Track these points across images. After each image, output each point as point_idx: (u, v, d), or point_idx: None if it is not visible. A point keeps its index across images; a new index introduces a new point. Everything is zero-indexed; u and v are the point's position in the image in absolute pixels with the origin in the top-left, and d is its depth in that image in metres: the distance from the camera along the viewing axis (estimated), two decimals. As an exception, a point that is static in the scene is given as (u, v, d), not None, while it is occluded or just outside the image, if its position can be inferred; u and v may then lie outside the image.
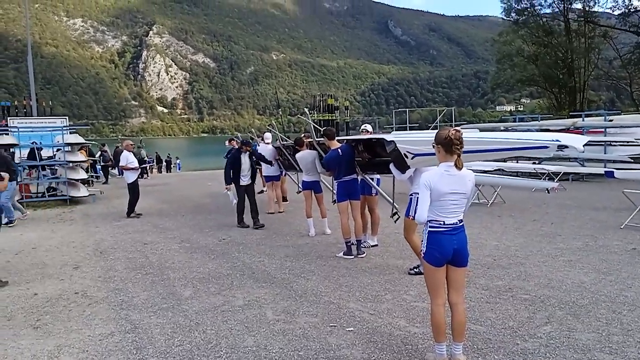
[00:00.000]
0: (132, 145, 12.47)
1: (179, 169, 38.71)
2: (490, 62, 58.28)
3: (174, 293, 5.66)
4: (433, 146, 3.64)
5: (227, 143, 18.67)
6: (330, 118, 29.61)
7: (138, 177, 12.19)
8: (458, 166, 3.51)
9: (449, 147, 3.51)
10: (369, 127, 8.64)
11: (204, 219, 10.91)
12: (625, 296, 5.01)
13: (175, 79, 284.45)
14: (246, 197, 9.76)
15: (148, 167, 25.63)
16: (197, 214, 11.58)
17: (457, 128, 3.65)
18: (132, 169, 11.54)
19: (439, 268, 3.58)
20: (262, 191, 14.62)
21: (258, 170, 16.04)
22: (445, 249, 3.54)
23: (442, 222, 3.55)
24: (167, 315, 4.93)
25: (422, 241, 3.69)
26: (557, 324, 4.37)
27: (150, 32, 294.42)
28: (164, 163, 36.30)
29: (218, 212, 11.68)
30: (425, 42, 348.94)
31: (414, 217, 5.19)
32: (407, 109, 29.71)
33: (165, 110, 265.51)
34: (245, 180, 9.76)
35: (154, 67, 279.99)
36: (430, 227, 3.58)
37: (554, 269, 6.04)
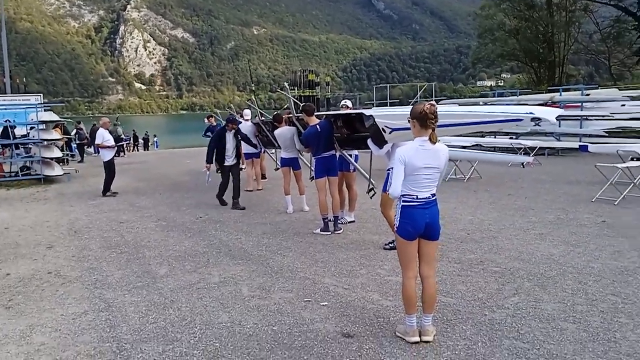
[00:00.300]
0: (108, 122, 12.28)
1: (157, 147, 38.29)
2: (472, 37, 58.16)
3: (149, 271, 5.67)
4: (408, 120, 3.67)
5: (205, 120, 18.48)
6: (311, 94, 29.46)
7: (114, 156, 12.06)
8: (432, 140, 3.55)
9: (424, 121, 3.55)
10: (348, 103, 8.63)
11: (182, 197, 10.86)
12: (592, 267, 5.15)
13: (153, 54, 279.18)
14: (231, 177, 9.42)
15: (125, 145, 25.29)
16: (174, 192, 11.52)
17: (432, 102, 3.69)
18: (109, 147, 11.39)
19: (411, 242, 3.65)
20: (240, 169, 14.59)
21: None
22: (418, 223, 3.60)
23: (415, 197, 3.60)
24: (141, 294, 4.94)
25: (395, 216, 3.74)
26: (524, 295, 4.49)
27: (128, 6, 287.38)
28: (142, 141, 35.85)
29: (196, 190, 11.63)
30: (408, 16, 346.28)
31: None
32: (388, 85, 29.68)
33: (143, 87, 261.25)
34: (230, 160, 9.40)
35: (132, 42, 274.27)
36: (403, 201, 3.63)
37: (525, 242, 6.18)
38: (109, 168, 11.36)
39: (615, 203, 8.06)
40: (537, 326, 3.86)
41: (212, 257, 6.13)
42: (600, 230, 6.62)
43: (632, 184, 8.42)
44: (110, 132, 12.10)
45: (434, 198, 3.67)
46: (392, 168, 5.75)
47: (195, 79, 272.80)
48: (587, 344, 3.53)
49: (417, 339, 3.67)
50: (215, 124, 15.92)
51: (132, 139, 32.77)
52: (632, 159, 9.37)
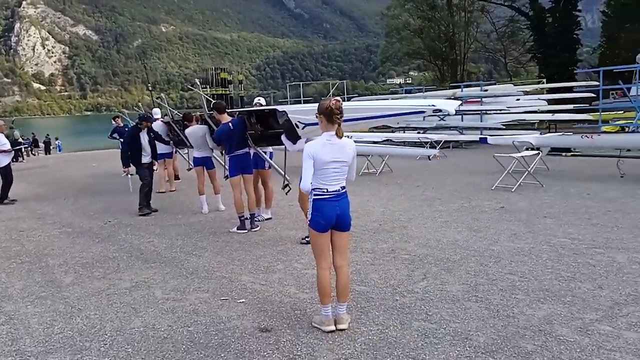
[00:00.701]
0: (4, 126, 11.40)
1: (60, 150, 36.01)
2: (380, 36, 60.07)
3: (53, 280, 5.35)
4: (316, 116, 3.76)
5: (112, 121, 17.69)
6: (224, 92, 28.99)
7: (12, 161, 11.24)
8: (338, 135, 3.68)
9: (330, 116, 3.65)
10: (262, 101, 8.63)
11: (88, 202, 10.32)
12: (492, 250, 5.53)
13: (53, 53, 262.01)
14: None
15: (23, 150, 23.57)
16: (79, 197, 10.92)
17: (337, 98, 3.81)
18: (4, 151, 10.59)
19: (323, 234, 3.75)
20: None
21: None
22: (329, 215, 3.70)
23: (325, 190, 3.70)
24: (45, 304, 4.66)
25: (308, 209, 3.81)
26: (432, 279, 4.75)
27: (24, 2, 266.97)
28: (42, 144, 33.59)
29: (103, 194, 11.10)
30: (319, 15, 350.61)
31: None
32: (302, 83, 29.92)
33: (43, 88, 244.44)
34: (147, 159, 8.81)
35: (29, 40, 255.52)
36: (314, 195, 3.73)
37: (433, 230, 6.52)
38: (6, 174, 10.58)
39: (512, 190, 8.69)
40: (444, 307, 4.10)
41: (122, 262, 5.90)
42: (499, 215, 7.11)
43: (527, 172, 9.11)
44: (7, 136, 11.30)
45: (344, 191, 3.79)
46: None
47: (100, 79, 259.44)
48: (489, 320, 3.80)
49: (332, 327, 3.78)
50: (122, 124, 15.28)
51: (31, 142, 30.61)
52: (526, 149, 10.14)
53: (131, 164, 8.77)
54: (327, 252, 3.82)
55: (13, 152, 11.72)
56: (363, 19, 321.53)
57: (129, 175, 8.72)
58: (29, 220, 8.69)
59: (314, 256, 3.88)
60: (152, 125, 10.59)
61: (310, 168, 3.66)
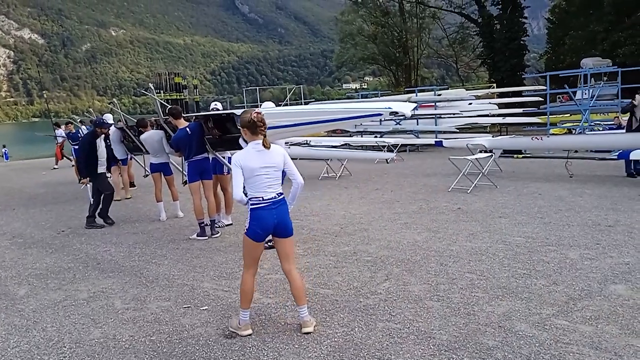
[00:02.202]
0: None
1: (7, 159, 34.42)
2: (335, 41, 60.62)
3: (6, 293, 5.14)
4: (239, 129, 3.81)
5: (62, 127, 17.14)
6: (178, 97, 28.52)
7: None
8: (265, 145, 3.70)
9: (254, 128, 3.69)
10: (219, 105, 8.56)
11: (39, 211, 9.94)
12: (451, 250, 5.67)
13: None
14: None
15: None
16: (30, 207, 10.49)
17: (258, 110, 3.82)
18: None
19: (259, 243, 3.77)
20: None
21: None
22: (267, 224, 3.72)
23: (261, 198, 3.72)
24: (-1, 318, 4.47)
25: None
26: (394, 280, 4.82)
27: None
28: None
29: (55, 203, 10.72)
30: (273, 20, 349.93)
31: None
32: (259, 88, 29.79)
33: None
34: (102, 168, 8.34)
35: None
36: (251, 204, 3.74)
37: (393, 232, 6.62)
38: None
39: (468, 191, 8.93)
40: (407, 307, 4.17)
41: (78, 273, 5.71)
42: (456, 216, 7.29)
43: (481, 174, 9.39)
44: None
45: (281, 197, 3.81)
46: None
47: (47, 84, 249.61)
48: (450, 319, 3.90)
49: (250, 332, 3.83)
50: (74, 130, 14.82)
51: None
52: (480, 151, 10.45)
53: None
54: (257, 262, 3.88)
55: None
56: (317, 24, 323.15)
57: (88, 185, 8.14)
58: (-25, 232, 8.29)
59: (244, 262, 3.89)
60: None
61: (239, 177, 3.70)
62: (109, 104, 12.97)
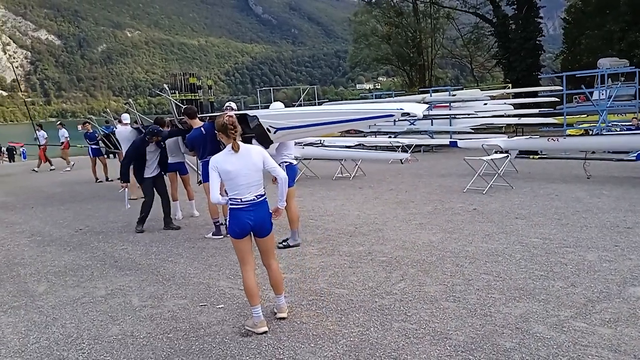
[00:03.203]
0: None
1: (25, 158, 34.93)
2: (348, 42, 60.55)
3: (26, 290, 5.21)
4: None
5: (79, 127, 17.35)
6: (193, 97, 28.74)
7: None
8: (234, 149, 3.78)
9: (226, 132, 3.79)
10: (233, 105, 8.58)
11: (57, 209, 10.07)
12: (467, 251, 5.64)
13: (14, 58, 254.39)
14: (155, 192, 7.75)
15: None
16: (48, 206, 10.63)
17: (230, 114, 3.93)
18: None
19: (241, 239, 3.88)
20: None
21: (117, 154, 15.23)
22: (243, 224, 3.82)
23: (239, 200, 3.82)
24: (19, 314, 4.54)
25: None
26: (409, 280, 4.81)
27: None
28: (6, 152, 32.54)
29: (72, 202, 10.85)
30: (287, 20, 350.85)
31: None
32: (272, 88, 29.86)
33: (5, 94, 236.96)
34: (151, 172, 7.65)
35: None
36: (230, 204, 3.86)
37: (408, 232, 6.59)
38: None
39: (484, 192, 8.86)
40: (423, 307, 4.16)
41: (96, 270, 5.78)
42: (472, 217, 7.24)
43: (497, 175, 9.32)
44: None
45: (260, 199, 3.89)
46: (282, 162, 5.95)
47: (64, 84, 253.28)
48: (467, 320, 3.88)
49: (265, 329, 3.87)
50: (91, 130, 15.01)
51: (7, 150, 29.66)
52: (495, 152, 10.37)
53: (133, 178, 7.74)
54: (249, 256, 3.96)
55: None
56: (331, 25, 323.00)
57: (126, 190, 7.69)
58: (-5, 230, 8.42)
59: (238, 260, 4.01)
60: (120, 130, 10.47)
61: (216, 179, 3.82)
62: (125, 104, 13.10)
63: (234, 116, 3.86)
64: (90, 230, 7.98)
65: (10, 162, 31.32)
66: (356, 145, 14.22)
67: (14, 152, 33.98)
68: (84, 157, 18.86)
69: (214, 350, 3.66)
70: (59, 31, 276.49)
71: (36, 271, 5.88)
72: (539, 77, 28.53)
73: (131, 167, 7.65)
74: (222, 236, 6.91)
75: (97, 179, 14.27)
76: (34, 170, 18.45)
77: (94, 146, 14.74)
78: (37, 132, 19.41)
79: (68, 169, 18.08)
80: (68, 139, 18.47)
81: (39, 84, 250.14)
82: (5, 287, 5.35)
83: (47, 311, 4.59)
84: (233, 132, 3.77)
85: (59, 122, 19.80)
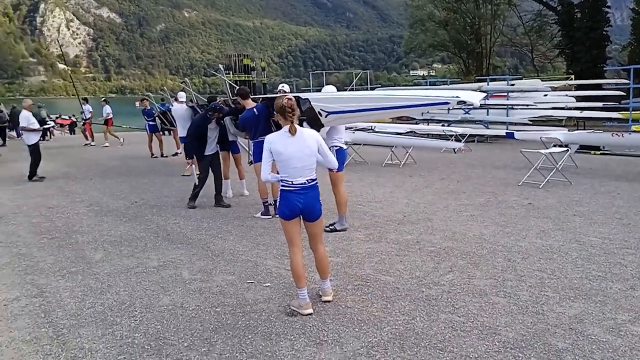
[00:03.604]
0: (32, 104, 11.61)
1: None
2: (404, 27, 59.45)
3: (83, 257, 5.46)
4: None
5: (137, 104, 17.88)
6: (246, 79, 29.07)
7: (40, 139, 11.45)
8: (291, 132, 3.77)
9: (284, 114, 3.80)
10: (286, 87, 8.60)
11: (114, 182, 10.47)
12: (520, 246, 5.47)
13: (77, 34, 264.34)
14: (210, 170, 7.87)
15: (51, 129, 23.92)
16: (106, 178, 11.07)
17: (289, 96, 3.92)
18: (34, 130, 10.80)
19: (290, 221, 3.90)
20: (176, 154, 14.27)
21: (172, 131, 15.62)
22: (293, 206, 3.84)
23: (290, 182, 3.83)
24: (76, 279, 4.76)
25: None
26: (458, 272, 4.71)
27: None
28: (66, 125, 33.96)
29: (128, 176, 11.24)
30: (342, 4, 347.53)
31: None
32: (325, 72, 29.80)
33: (68, 69, 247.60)
34: (210, 149, 7.79)
35: (53, 21, 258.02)
36: (282, 186, 3.88)
37: (458, 223, 6.46)
38: (35, 152, 10.79)
39: (540, 186, 8.56)
40: (471, 301, 4.07)
41: (149, 242, 5.98)
42: (526, 211, 7.02)
43: (555, 169, 8.97)
44: (34, 115, 11.50)
45: (311, 183, 3.88)
46: (333, 146, 5.93)
47: (124, 61, 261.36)
48: (518, 316, 3.77)
49: (310, 310, 3.90)
50: (149, 107, 15.45)
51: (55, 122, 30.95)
52: (554, 146, 9.96)
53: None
54: (297, 238, 3.99)
55: (41, 130, 11.93)
56: (387, 9, 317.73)
57: (193, 166, 7.90)
58: (57, 198, 8.85)
59: (286, 241, 4.05)
60: (177, 108, 10.70)
61: (268, 158, 3.84)
62: (181, 82, 13.39)
63: (293, 99, 3.87)
64: (145, 203, 8.25)
65: (71, 134, 32.69)
66: (407, 132, 14.01)
67: (75, 125, 35.42)
68: (131, 133, 19.39)
69: (260, 327, 3.71)
70: (120, 9, 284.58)
71: (93, 239, 6.14)
72: (604, 69, 27.13)
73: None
74: (270, 216, 6.99)
75: (152, 154, 14.70)
76: (89, 144, 19.17)
77: (151, 122, 15.15)
78: (82, 105, 20.05)
79: (120, 143, 18.67)
80: (111, 115, 18.94)
81: (100, 60, 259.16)
82: (64, 253, 5.62)
83: (102, 278, 4.79)
84: (291, 115, 3.78)
85: (103, 99, 20.38)
